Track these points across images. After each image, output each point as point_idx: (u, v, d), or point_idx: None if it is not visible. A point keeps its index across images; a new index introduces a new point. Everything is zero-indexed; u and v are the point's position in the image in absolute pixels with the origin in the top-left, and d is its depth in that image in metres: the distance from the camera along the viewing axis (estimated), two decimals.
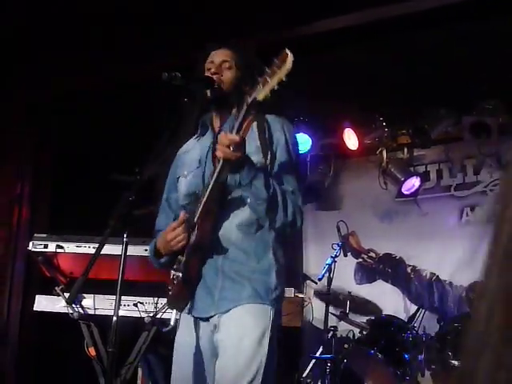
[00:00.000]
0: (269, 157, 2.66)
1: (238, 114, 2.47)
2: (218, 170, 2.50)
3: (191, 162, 2.82)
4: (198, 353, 2.65)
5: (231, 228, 2.65)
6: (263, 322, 2.58)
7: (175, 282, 2.67)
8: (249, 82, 2.68)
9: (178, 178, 2.86)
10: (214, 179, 2.52)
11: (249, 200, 2.55)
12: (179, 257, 2.66)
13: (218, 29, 4.94)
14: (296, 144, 2.80)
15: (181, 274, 2.64)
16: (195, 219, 2.60)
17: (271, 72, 2.32)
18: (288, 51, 2.29)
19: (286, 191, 2.62)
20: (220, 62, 2.76)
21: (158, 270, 3.59)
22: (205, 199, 2.56)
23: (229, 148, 2.40)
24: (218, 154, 2.46)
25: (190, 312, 2.69)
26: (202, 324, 2.67)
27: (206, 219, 2.60)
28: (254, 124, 2.67)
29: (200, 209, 2.58)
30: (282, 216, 2.59)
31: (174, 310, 2.74)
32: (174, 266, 2.69)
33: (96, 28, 5.55)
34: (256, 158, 2.62)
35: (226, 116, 2.80)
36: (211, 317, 2.63)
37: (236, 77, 2.77)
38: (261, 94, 2.36)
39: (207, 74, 2.75)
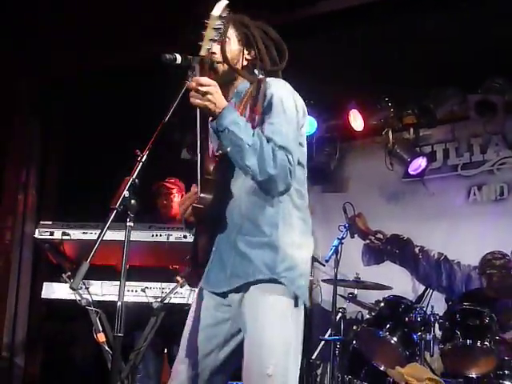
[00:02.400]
0: (260, 114, 2.56)
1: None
2: (198, 120, 2.47)
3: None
4: (209, 323, 2.62)
5: (240, 198, 2.57)
6: (280, 302, 2.49)
7: (188, 258, 2.67)
8: (247, 49, 2.71)
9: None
10: (198, 134, 2.49)
11: (228, 149, 2.45)
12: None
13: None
14: (292, 103, 2.65)
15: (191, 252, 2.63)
16: (198, 192, 2.55)
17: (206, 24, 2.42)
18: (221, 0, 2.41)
19: (274, 143, 2.46)
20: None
21: (165, 255, 3.58)
22: (198, 168, 2.53)
23: (198, 92, 2.39)
24: (191, 100, 2.42)
25: (202, 287, 2.67)
26: (216, 298, 2.63)
27: (205, 191, 2.53)
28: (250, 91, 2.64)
29: (198, 180, 2.54)
30: (266, 167, 2.42)
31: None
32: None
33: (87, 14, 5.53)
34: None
35: (231, 88, 2.74)
36: (224, 293, 2.59)
37: (236, 50, 2.71)
38: (202, 49, 2.44)
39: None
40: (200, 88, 2.40)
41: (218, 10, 2.41)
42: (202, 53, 2.43)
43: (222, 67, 2.65)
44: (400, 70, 5.72)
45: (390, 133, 6.52)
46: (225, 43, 2.63)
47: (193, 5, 5.13)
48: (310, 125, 6.50)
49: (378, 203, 6.71)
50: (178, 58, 2.55)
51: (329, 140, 6.89)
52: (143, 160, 2.39)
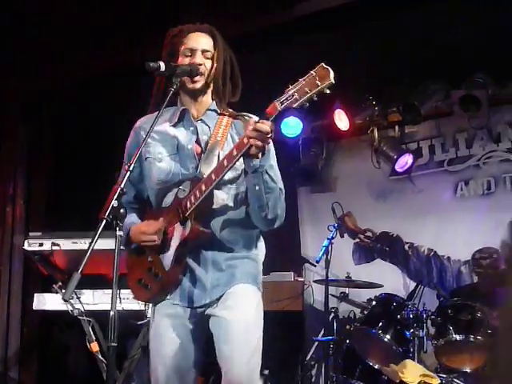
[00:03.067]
0: None
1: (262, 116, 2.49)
2: (238, 156, 2.51)
3: (164, 145, 2.79)
4: (186, 338, 2.73)
5: (224, 225, 2.72)
6: (257, 298, 2.75)
7: (158, 275, 2.73)
8: (228, 73, 2.81)
9: (147, 158, 2.81)
10: (224, 172, 2.55)
11: (257, 188, 2.61)
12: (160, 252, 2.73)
13: (216, 13, 4.88)
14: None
15: (167, 269, 2.69)
16: (187, 213, 2.63)
17: (309, 83, 2.43)
18: (326, 66, 2.46)
19: (280, 188, 2.73)
20: (202, 51, 2.76)
21: None
22: (204, 195, 2.59)
23: (266, 134, 2.45)
24: (251, 136, 2.45)
25: (174, 303, 2.74)
26: (191, 311, 2.73)
27: (199, 215, 2.64)
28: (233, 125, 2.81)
29: (196, 204, 2.61)
30: (278, 209, 2.71)
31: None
32: (150, 259, 2.76)
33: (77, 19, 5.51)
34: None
35: (203, 107, 2.83)
36: (204, 305, 2.70)
37: (218, 68, 2.79)
38: (297, 103, 2.44)
39: (185, 59, 2.76)
40: (270, 134, 2.47)
41: (332, 78, 2.46)
42: (296, 106, 2.47)
43: (202, 82, 2.77)
44: (383, 69, 5.74)
45: (376, 131, 6.54)
46: (219, 62, 2.74)
47: (178, 14, 5.16)
48: (295, 126, 6.52)
49: (366, 202, 6.73)
50: (162, 66, 2.57)
51: (315, 140, 6.90)
52: (131, 169, 2.41)
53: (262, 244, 2.92)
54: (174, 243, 2.67)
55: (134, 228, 2.78)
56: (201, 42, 2.79)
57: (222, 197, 2.71)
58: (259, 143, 2.45)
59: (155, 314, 2.80)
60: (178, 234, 2.65)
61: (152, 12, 5.36)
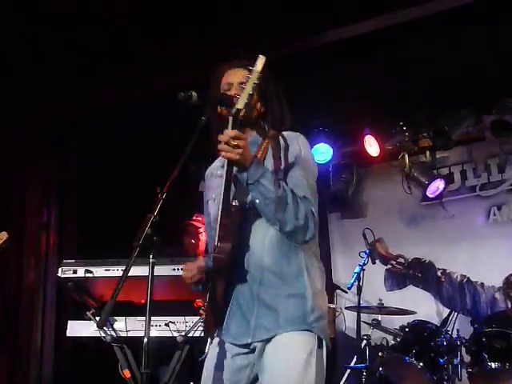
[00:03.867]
0: (282, 168, 2.64)
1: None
2: (225, 171, 2.49)
3: (217, 185, 2.76)
4: (228, 371, 2.62)
5: (262, 250, 2.60)
6: (306, 348, 2.54)
7: (204, 308, 2.68)
8: (270, 101, 2.78)
9: (208, 201, 2.86)
10: (223, 185, 2.50)
11: (257, 201, 2.51)
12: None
13: (231, 44, 4.94)
14: (311, 156, 2.78)
15: (206, 301, 2.64)
16: (216, 242, 2.54)
17: (246, 79, 2.42)
18: (261, 55, 2.40)
19: (298, 195, 2.54)
20: (238, 83, 2.74)
21: (186, 288, 3.61)
22: (219, 218, 2.53)
23: (228, 145, 2.41)
24: (221, 153, 2.44)
25: (220, 336, 2.67)
26: (234, 348, 2.64)
27: (224, 239, 2.52)
28: (270, 144, 2.71)
29: (217, 229, 2.53)
30: (293, 219, 2.50)
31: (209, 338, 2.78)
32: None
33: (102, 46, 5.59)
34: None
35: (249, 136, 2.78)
36: (246, 344, 2.60)
37: (255, 101, 2.74)
38: (240, 102, 2.41)
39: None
40: (232, 141, 2.41)
41: (259, 65, 2.43)
42: (240, 106, 2.42)
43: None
44: (413, 94, 5.74)
45: (407, 156, 6.52)
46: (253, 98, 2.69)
47: (199, 41, 5.23)
48: (325, 152, 6.54)
49: (397, 227, 6.70)
50: (194, 95, 2.59)
51: (345, 166, 6.91)
52: (164, 197, 2.43)
53: (314, 272, 2.67)
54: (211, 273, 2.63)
55: None
56: (238, 75, 2.78)
57: (254, 218, 2.61)
58: (227, 154, 2.43)
59: (209, 348, 2.76)
60: (208, 262, 2.66)
61: (182, 42, 5.43)
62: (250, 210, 2.59)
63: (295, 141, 2.72)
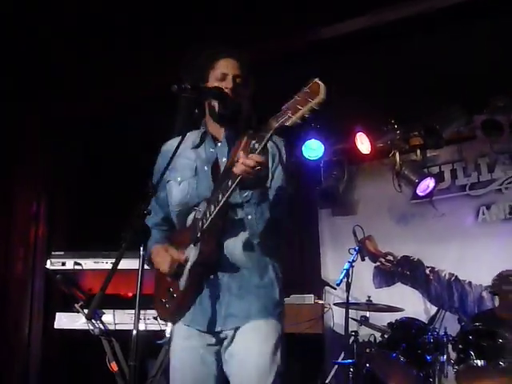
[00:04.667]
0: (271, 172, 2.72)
1: (258, 135, 2.42)
2: (232, 187, 2.48)
3: (184, 168, 2.81)
4: (197, 362, 2.70)
5: (236, 246, 2.69)
6: (274, 336, 2.67)
7: (174, 295, 2.73)
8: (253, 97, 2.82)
9: (169, 181, 2.85)
10: (226, 196, 2.51)
11: (250, 217, 2.58)
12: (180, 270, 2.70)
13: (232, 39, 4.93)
14: (290, 156, 2.87)
15: (181, 289, 2.69)
16: (198, 234, 2.62)
17: (302, 100, 2.31)
18: (319, 81, 2.31)
19: (283, 191, 2.72)
20: (233, 76, 2.76)
21: None
22: (212, 216, 2.58)
23: (252, 168, 2.40)
24: (239, 171, 2.42)
25: (188, 324, 2.73)
26: (203, 335, 2.70)
27: (211, 235, 2.63)
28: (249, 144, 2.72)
29: (206, 224, 2.60)
30: (272, 236, 2.68)
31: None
32: (168, 278, 2.74)
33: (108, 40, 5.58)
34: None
35: (229, 130, 2.81)
36: (216, 332, 2.67)
37: (249, 94, 2.80)
38: (290, 120, 2.33)
39: (214, 83, 2.75)
40: (258, 167, 2.40)
41: (323, 93, 2.31)
42: (290, 123, 2.32)
43: (231, 108, 2.74)
44: (405, 92, 5.75)
45: (397, 155, 6.54)
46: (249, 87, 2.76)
47: (197, 35, 5.22)
48: (317, 149, 6.54)
49: (387, 225, 6.72)
50: (188, 88, 2.59)
51: (336, 164, 6.91)
52: (154, 191, 2.43)
53: (279, 267, 2.81)
54: (189, 264, 2.67)
55: (155, 251, 2.80)
56: (232, 67, 2.78)
57: (234, 218, 2.69)
58: (242, 173, 2.42)
59: (173, 335, 2.81)
60: (192, 254, 2.66)
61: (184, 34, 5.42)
62: (232, 209, 2.67)
63: (281, 145, 2.83)
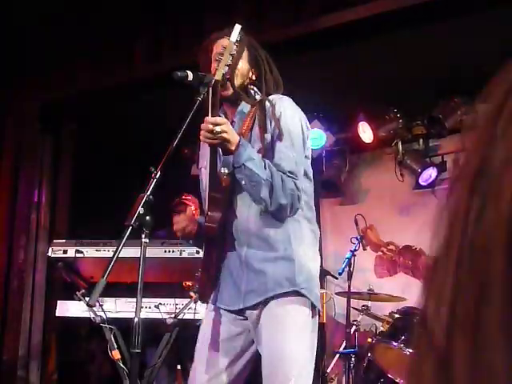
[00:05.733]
0: (269, 137, 2.64)
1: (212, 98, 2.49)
2: (209, 155, 2.50)
3: (206, 153, 2.81)
4: (225, 336, 2.67)
5: (249, 217, 2.63)
6: (299, 318, 2.59)
7: (199, 273, 2.75)
8: (263, 70, 2.77)
9: (201, 168, 2.89)
10: (208, 165, 2.54)
11: (243, 182, 2.53)
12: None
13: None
14: (296, 118, 2.73)
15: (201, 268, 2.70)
16: (205, 211, 2.63)
17: (223, 49, 2.45)
18: (236, 24, 2.42)
19: (283, 171, 2.56)
20: (216, 54, 2.75)
21: (178, 271, 3.62)
22: (207, 189, 2.59)
23: (211, 132, 2.42)
24: (202, 138, 2.47)
25: (214, 303, 2.70)
26: (229, 314, 2.67)
27: (214, 208, 2.58)
28: (256, 112, 2.70)
29: (207, 198, 2.61)
30: (278, 199, 2.52)
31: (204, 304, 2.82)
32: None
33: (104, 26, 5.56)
34: (257, 145, 2.64)
35: (239, 108, 2.79)
36: (239, 309, 2.63)
37: (246, 69, 2.77)
38: (218, 73, 2.44)
39: (214, 64, 2.73)
40: (215, 128, 2.42)
41: (234, 35, 2.45)
42: (218, 77, 2.44)
43: (231, 89, 2.70)
44: (408, 81, 5.73)
45: (400, 144, 6.52)
46: (235, 68, 2.68)
47: (197, 20, 5.20)
48: (319, 138, 6.52)
49: (389, 215, 6.70)
50: (190, 75, 2.58)
51: (338, 153, 6.90)
52: (157, 176, 2.42)
53: (303, 235, 2.70)
54: (204, 240, 2.67)
55: None
56: (224, 46, 2.77)
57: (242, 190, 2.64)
58: (210, 141, 2.45)
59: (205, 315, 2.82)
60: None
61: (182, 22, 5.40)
62: (237, 180, 2.61)
63: (280, 106, 2.70)
